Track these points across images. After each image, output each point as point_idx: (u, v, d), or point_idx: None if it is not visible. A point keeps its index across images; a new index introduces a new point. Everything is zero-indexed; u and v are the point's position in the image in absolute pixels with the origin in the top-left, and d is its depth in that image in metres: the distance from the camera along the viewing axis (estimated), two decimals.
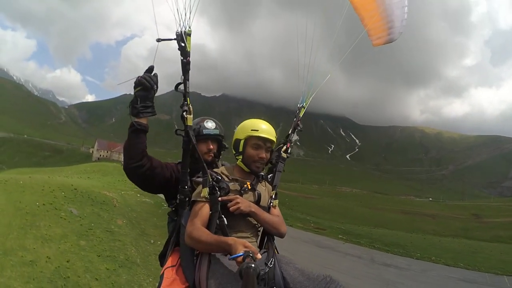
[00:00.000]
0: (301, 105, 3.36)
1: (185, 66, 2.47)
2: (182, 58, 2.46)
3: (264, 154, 2.54)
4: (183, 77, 2.48)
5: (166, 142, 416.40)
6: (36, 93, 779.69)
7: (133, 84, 2.45)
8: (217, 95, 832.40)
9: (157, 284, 2.35)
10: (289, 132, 3.27)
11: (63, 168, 62.53)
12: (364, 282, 13.95)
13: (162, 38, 2.44)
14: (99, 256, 9.00)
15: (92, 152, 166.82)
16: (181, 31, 2.45)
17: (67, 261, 7.63)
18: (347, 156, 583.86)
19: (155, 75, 2.46)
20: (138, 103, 2.42)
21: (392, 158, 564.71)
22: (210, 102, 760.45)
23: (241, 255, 1.74)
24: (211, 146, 2.91)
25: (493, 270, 28.15)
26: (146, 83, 2.39)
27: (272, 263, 2.23)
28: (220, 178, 2.46)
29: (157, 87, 2.47)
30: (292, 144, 3.23)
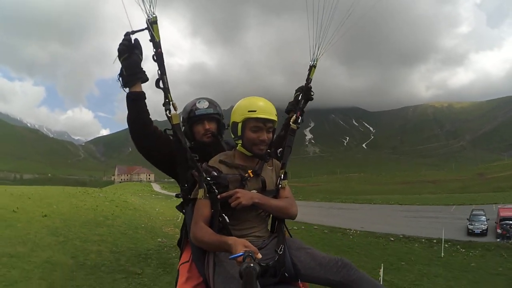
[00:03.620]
0: (312, 64, 2.76)
1: (158, 59, 2.22)
2: (154, 50, 2.22)
3: (265, 136, 2.31)
4: (159, 71, 2.24)
5: None
6: (52, 136, 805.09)
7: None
8: (226, 109, 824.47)
9: (175, 278, 2.46)
10: (299, 99, 2.80)
11: None
12: (308, 215, 19.37)
13: (134, 30, 2.25)
14: (117, 207, 15.54)
15: (114, 178, 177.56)
16: (146, 20, 2.19)
17: (97, 206, 14.00)
18: (363, 145, 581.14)
19: (136, 40, 2.28)
20: (125, 73, 2.30)
21: (408, 139, 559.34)
22: None
23: (241, 255, 1.72)
24: (208, 126, 2.70)
25: (446, 203, 34.55)
26: (123, 50, 2.26)
27: (282, 249, 2.19)
28: (216, 173, 2.28)
29: (140, 51, 2.31)
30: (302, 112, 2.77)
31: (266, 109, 2.29)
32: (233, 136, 2.42)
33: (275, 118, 2.33)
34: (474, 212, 32.07)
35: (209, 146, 2.66)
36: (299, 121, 2.72)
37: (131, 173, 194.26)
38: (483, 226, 29.18)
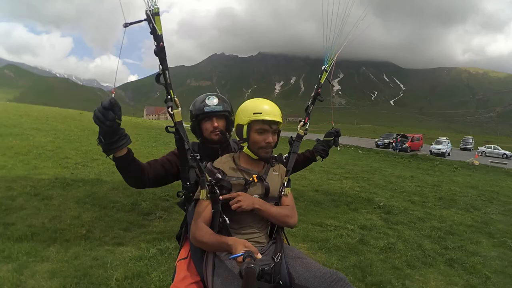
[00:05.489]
0: (323, 68, 2.77)
1: (160, 53, 2.01)
2: (155, 44, 2.00)
3: (271, 138, 2.28)
4: (160, 66, 2.03)
5: None
6: (81, 84, 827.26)
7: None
8: (254, 55, 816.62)
9: (172, 274, 2.44)
10: (308, 104, 2.83)
11: None
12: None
13: (129, 22, 1.89)
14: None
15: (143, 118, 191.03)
16: (147, 11, 1.94)
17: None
18: (391, 102, 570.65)
19: (116, 108, 1.81)
20: (103, 140, 1.91)
21: (438, 101, 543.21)
22: (248, 63, 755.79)
23: (241, 255, 1.71)
24: (216, 124, 2.62)
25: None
26: (98, 123, 1.80)
27: (279, 257, 2.17)
28: (220, 176, 2.24)
29: (115, 122, 1.82)
30: (309, 118, 2.79)
31: (271, 112, 2.26)
32: (238, 139, 2.39)
33: (280, 120, 2.31)
34: (385, 133, 47.69)
35: (217, 143, 2.64)
36: (307, 127, 2.78)
37: (159, 114, 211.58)
38: (385, 141, 42.34)
